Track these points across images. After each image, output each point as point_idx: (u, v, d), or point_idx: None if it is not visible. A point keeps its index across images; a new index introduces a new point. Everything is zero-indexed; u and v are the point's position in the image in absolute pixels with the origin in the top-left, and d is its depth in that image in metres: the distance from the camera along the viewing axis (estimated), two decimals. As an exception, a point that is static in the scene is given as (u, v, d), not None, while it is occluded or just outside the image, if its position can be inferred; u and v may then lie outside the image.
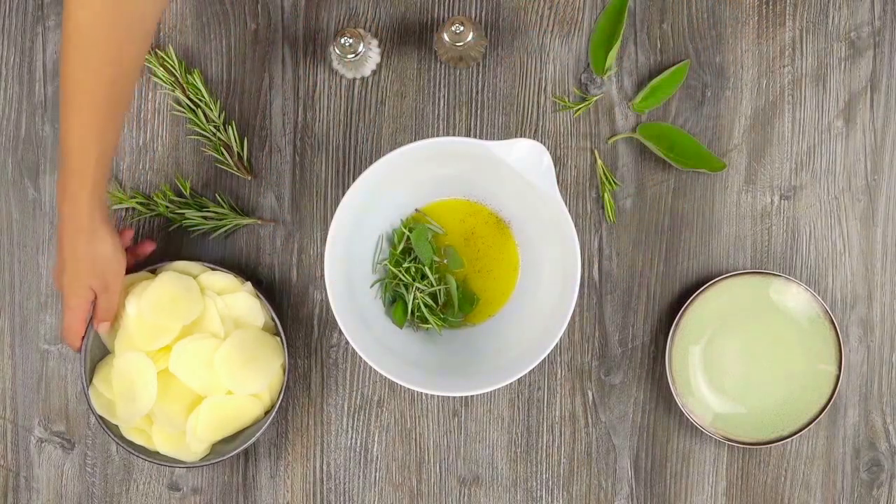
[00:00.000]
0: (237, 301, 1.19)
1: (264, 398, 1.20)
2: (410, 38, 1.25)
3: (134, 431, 1.19)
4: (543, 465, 1.25)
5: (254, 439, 1.18)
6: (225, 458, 1.18)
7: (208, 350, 1.17)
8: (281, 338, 1.19)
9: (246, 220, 1.24)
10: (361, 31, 1.21)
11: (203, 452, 1.20)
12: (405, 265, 1.20)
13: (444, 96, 1.25)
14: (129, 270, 1.17)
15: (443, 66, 1.24)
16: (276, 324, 1.20)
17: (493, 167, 1.13)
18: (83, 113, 1.04)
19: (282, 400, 1.19)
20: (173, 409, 1.18)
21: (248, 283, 1.20)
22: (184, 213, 1.23)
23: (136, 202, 1.24)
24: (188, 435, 1.18)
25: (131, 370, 1.17)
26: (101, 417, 1.18)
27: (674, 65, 1.23)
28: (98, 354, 1.20)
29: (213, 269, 1.20)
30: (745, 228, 1.25)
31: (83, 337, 1.17)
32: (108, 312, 1.15)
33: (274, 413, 1.18)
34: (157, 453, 1.19)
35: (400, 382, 1.10)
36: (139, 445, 1.19)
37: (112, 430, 1.19)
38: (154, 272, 1.20)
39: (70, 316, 1.14)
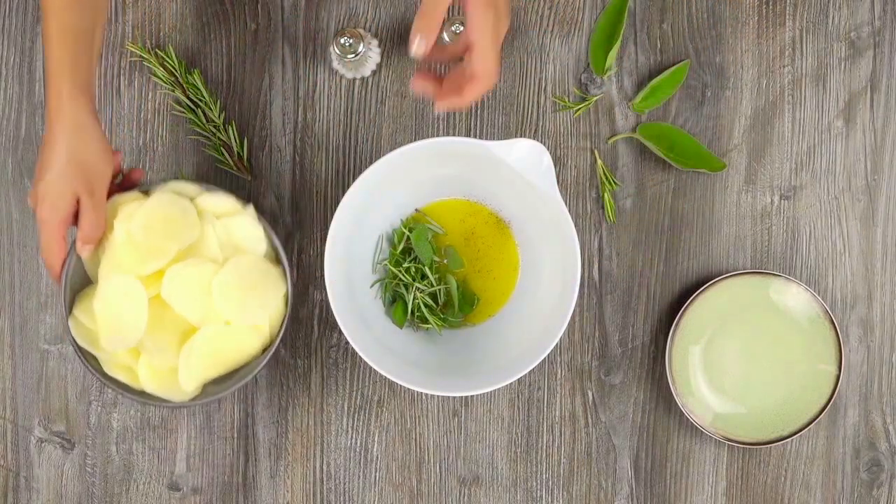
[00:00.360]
0: (238, 225, 1.10)
1: (263, 331, 1.10)
2: (410, 38, 1.25)
3: (117, 368, 1.09)
4: (543, 465, 1.25)
5: (250, 377, 1.09)
6: (215, 398, 1.08)
7: (205, 276, 1.06)
8: (284, 267, 1.10)
9: (246, 220, 1.24)
10: (361, 31, 1.21)
11: (194, 392, 1.09)
12: (405, 265, 1.20)
13: (444, 96, 1.25)
14: (112, 194, 1.09)
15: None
16: (278, 252, 1.10)
17: (493, 167, 1.13)
18: None
19: (281, 337, 1.11)
20: (165, 341, 1.07)
21: (251, 207, 1.11)
22: (184, 213, 1.23)
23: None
24: (181, 370, 1.07)
25: (119, 296, 1.05)
26: (81, 350, 1.07)
27: (674, 65, 1.23)
28: (78, 283, 1.10)
29: (211, 191, 1.11)
30: (745, 228, 1.25)
31: (64, 261, 1.06)
32: (93, 229, 1.03)
33: (273, 349, 1.10)
34: (143, 392, 1.09)
35: (400, 382, 1.10)
36: (122, 383, 1.09)
37: (92, 364, 1.08)
38: (146, 193, 1.10)
39: (48, 233, 1.03)
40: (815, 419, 1.22)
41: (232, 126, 1.24)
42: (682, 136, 1.23)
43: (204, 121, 1.24)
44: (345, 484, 1.25)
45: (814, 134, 1.25)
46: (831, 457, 1.24)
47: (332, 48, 1.19)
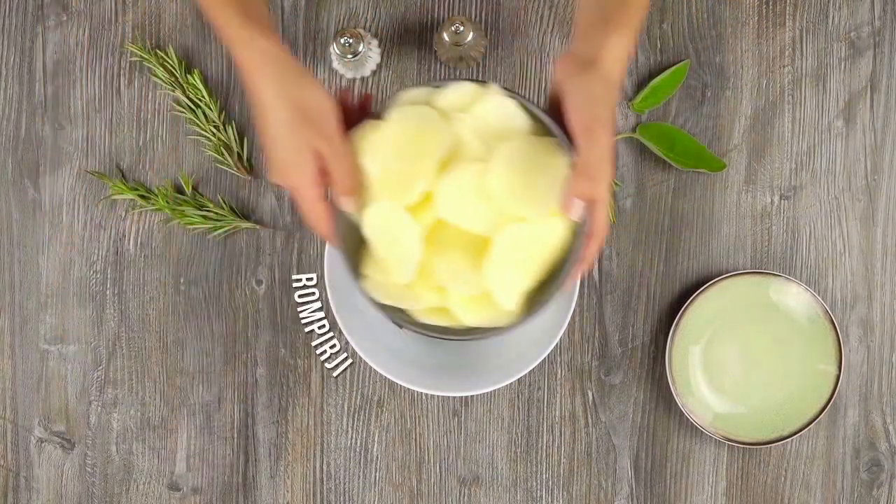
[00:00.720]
0: (489, 110, 0.92)
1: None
2: (410, 38, 1.25)
3: (430, 313, 0.94)
4: (543, 465, 1.25)
5: (573, 267, 0.90)
6: (547, 304, 0.91)
7: (478, 179, 0.89)
8: (555, 134, 0.91)
9: (245, 224, 1.24)
10: (361, 31, 1.21)
11: (518, 307, 0.92)
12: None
13: (444, 96, 1.25)
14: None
15: (443, 66, 1.24)
16: (543, 122, 0.91)
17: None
18: None
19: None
20: (462, 266, 0.91)
21: (494, 84, 0.93)
22: (183, 211, 1.23)
23: (138, 194, 1.24)
24: (494, 289, 0.91)
25: (391, 227, 0.91)
26: (385, 306, 0.93)
27: (674, 65, 1.23)
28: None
29: (443, 86, 0.93)
30: (745, 228, 1.25)
31: (334, 221, 0.91)
32: (346, 177, 0.89)
33: (585, 226, 0.89)
34: (470, 329, 0.93)
35: (400, 382, 1.10)
36: (445, 327, 0.94)
37: (404, 318, 0.94)
38: (377, 116, 0.93)
39: (306, 200, 0.89)
40: (815, 419, 1.22)
41: (232, 126, 1.24)
42: (682, 136, 1.23)
43: (204, 121, 1.24)
44: (345, 484, 1.25)
45: (814, 134, 1.25)
46: (831, 457, 1.24)
47: (332, 48, 1.19)
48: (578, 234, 0.89)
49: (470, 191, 0.89)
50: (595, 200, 0.87)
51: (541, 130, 0.92)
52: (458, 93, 0.92)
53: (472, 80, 0.93)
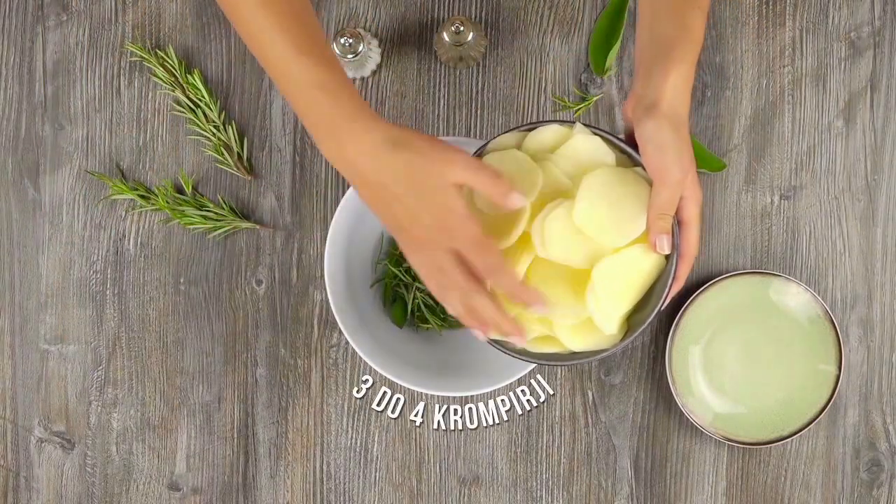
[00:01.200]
0: (577, 148, 0.96)
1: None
2: (410, 38, 1.25)
3: (540, 343, 0.98)
4: (543, 465, 1.25)
5: (668, 286, 0.95)
6: (646, 325, 0.96)
7: (568, 214, 0.94)
8: (637, 162, 0.96)
9: (244, 224, 1.24)
10: (361, 31, 1.21)
11: (618, 329, 0.97)
12: (405, 265, 1.20)
13: (444, 96, 1.25)
14: None
15: (443, 66, 1.24)
16: (627, 153, 0.96)
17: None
18: (279, 33, 0.87)
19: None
20: (564, 300, 0.96)
21: (578, 124, 0.97)
22: (183, 210, 1.23)
23: (138, 194, 1.24)
24: (595, 315, 0.95)
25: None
26: (497, 342, 0.97)
27: (674, 65, 1.23)
28: None
29: (532, 128, 0.98)
30: (745, 228, 1.25)
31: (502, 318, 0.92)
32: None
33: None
34: (575, 353, 0.99)
35: (400, 382, 1.10)
36: (554, 353, 0.98)
37: (512, 349, 0.98)
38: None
39: (454, 299, 0.91)
40: (815, 419, 1.22)
41: (232, 126, 1.24)
42: (682, 136, 1.23)
43: (204, 121, 1.24)
44: (345, 484, 1.25)
45: (814, 134, 1.25)
46: (831, 457, 1.24)
47: (332, 48, 1.19)
48: (670, 256, 0.95)
49: (563, 227, 0.93)
50: (685, 223, 0.94)
51: (627, 162, 0.97)
52: (546, 135, 0.97)
53: (558, 121, 0.97)
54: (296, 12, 0.89)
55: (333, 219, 1.10)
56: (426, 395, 1.24)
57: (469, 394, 1.17)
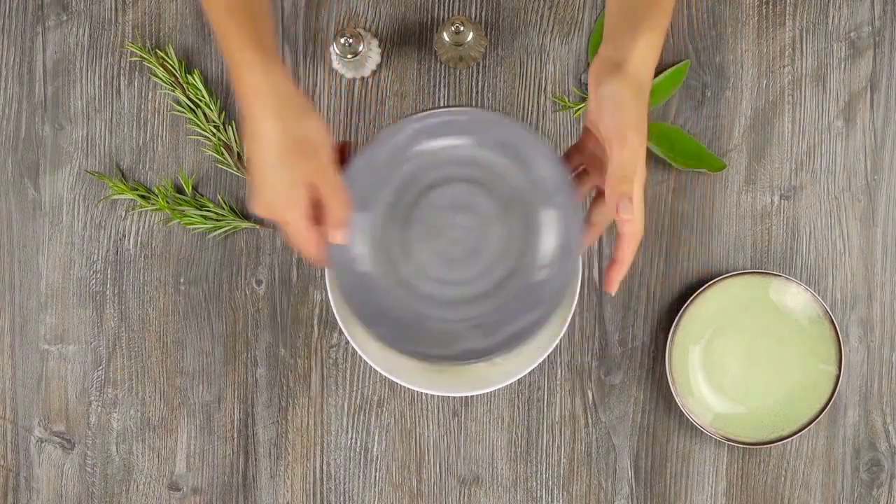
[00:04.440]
0: None
1: None
2: (410, 38, 1.25)
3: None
4: (543, 465, 1.25)
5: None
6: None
7: None
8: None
9: (244, 224, 1.24)
10: (361, 31, 1.21)
11: None
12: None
13: (444, 96, 1.25)
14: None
15: (443, 66, 1.25)
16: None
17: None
18: None
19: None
20: None
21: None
22: (183, 210, 1.23)
23: (137, 194, 1.24)
24: None
25: None
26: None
27: (674, 65, 1.23)
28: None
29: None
30: (745, 228, 1.25)
31: (325, 246, 0.93)
32: (341, 210, 0.90)
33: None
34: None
35: (400, 382, 1.10)
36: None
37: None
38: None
39: (297, 232, 0.90)
40: (815, 419, 1.22)
41: (232, 126, 1.24)
42: (682, 136, 1.23)
43: (204, 121, 1.24)
44: (345, 484, 1.25)
45: (814, 134, 1.25)
46: (831, 457, 1.25)
47: (332, 48, 1.19)
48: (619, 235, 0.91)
49: None
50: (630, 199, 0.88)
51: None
52: None
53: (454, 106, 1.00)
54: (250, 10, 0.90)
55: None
56: (426, 394, 1.24)
57: (469, 394, 1.17)
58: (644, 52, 0.89)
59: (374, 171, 0.97)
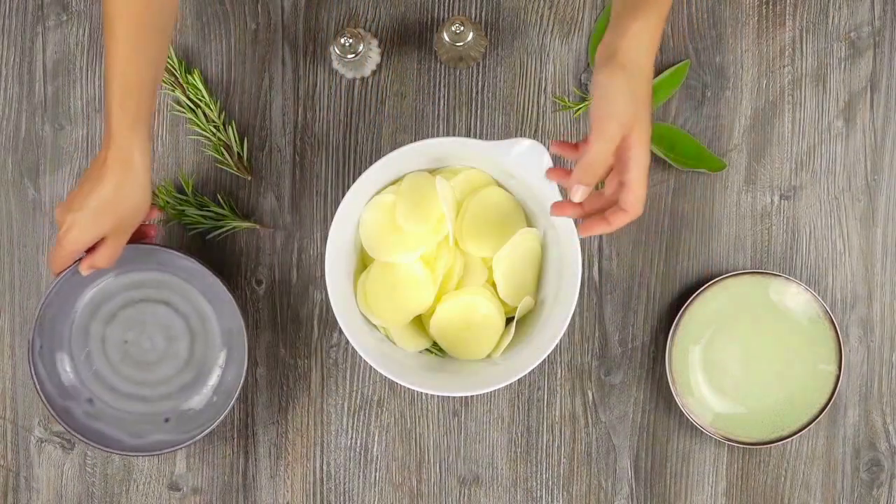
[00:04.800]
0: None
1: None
2: (410, 38, 1.25)
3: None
4: (543, 465, 1.25)
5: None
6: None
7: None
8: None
9: (244, 224, 1.24)
10: (361, 31, 1.21)
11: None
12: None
13: (444, 96, 1.25)
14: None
15: (443, 66, 1.24)
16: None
17: (493, 167, 1.13)
18: (118, 42, 1.00)
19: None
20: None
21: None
22: (183, 211, 1.23)
23: (136, 202, 1.24)
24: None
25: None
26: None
27: (674, 65, 1.23)
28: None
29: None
30: (745, 228, 1.25)
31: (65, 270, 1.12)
32: (104, 263, 1.07)
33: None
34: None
35: (400, 382, 1.10)
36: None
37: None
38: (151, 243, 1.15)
39: (62, 255, 1.07)
40: (815, 419, 1.22)
41: (232, 126, 1.24)
42: (682, 136, 1.23)
43: (204, 121, 1.24)
44: (345, 484, 1.25)
45: (814, 134, 1.25)
46: (831, 457, 1.24)
47: (332, 48, 1.19)
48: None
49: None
50: (626, 185, 0.93)
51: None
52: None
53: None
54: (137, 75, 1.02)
55: (334, 219, 1.10)
56: (426, 394, 1.24)
57: (469, 394, 1.17)
58: (640, 38, 0.90)
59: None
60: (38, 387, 1.16)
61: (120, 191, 1.02)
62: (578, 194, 0.95)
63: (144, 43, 1.01)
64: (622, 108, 0.89)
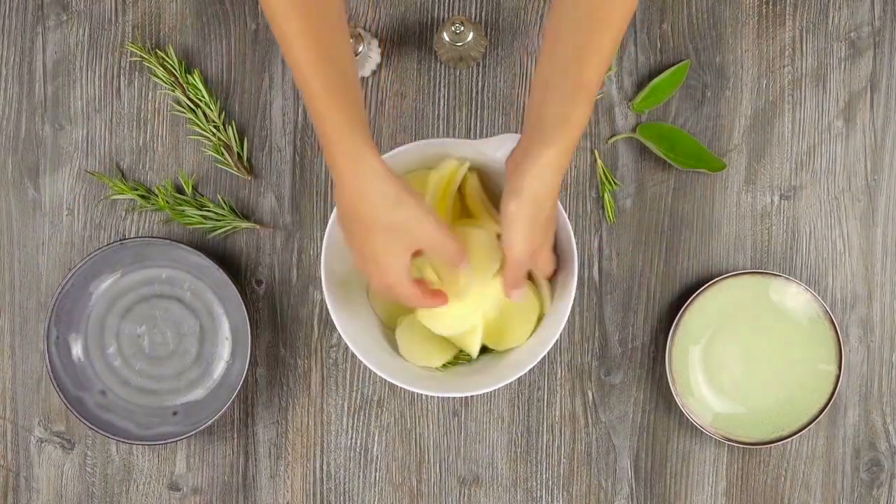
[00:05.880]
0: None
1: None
2: (410, 38, 1.25)
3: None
4: (543, 465, 1.25)
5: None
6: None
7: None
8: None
9: (244, 224, 1.24)
10: (361, 31, 1.21)
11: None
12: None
13: (444, 96, 1.25)
14: None
15: (443, 66, 1.24)
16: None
17: (491, 167, 1.13)
18: (308, 68, 0.93)
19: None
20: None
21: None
22: (183, 210, 1.23)
23: (138, 194, 1.24)
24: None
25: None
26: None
27: (674, 65, 1.23)
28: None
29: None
30: (745, 228, 1.25)
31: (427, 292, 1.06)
32: (454, 252, 1.02)
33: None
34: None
35: (399, 384, 1.10)
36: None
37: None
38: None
39: (408, 297, 1.02)
40: (815, 419, 1.22)
41: (232, 126, 1.24)
42: (682, 136, 1.23)
43: (204, 121, 1.24)
44: (345, 484, 1.25)
45: (814, 134, 1.25)
46: (831, 457, 1.24)
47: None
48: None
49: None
50: (538, 283, 1.09)
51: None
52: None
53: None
54: (331, 57, 0.94)
55: (331, 219, 1.10)
56: (426, 395, 1.24)
57: (469, 394, 1.16)
58: (549, 166, 0.96)
59: None
60: (51, 375, 1.19)
61: (383, 211, 0.96)
62: (515, 297, 1.04)
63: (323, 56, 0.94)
64: (530, 235, 0.99)
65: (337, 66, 0.94)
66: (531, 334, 1.14)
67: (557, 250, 1.14)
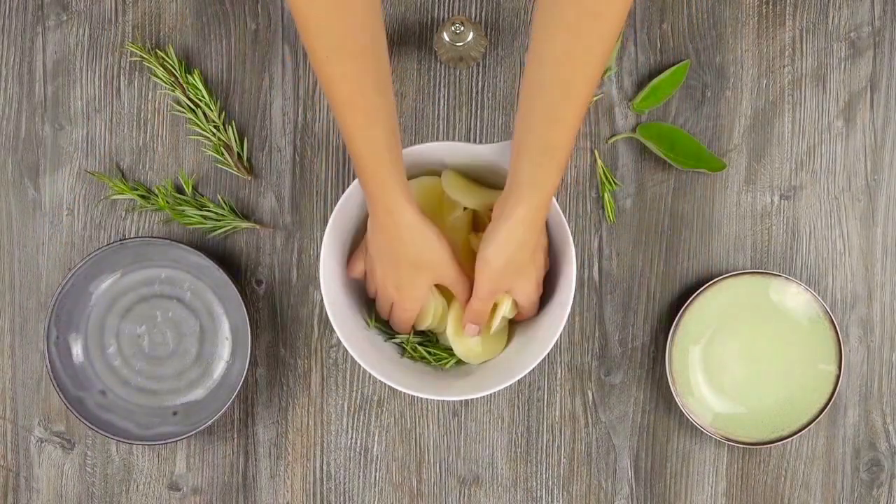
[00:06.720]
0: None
1: None
2: (410, 38, 1.25)
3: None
4: (543, 465, 1.25)
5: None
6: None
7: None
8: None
9: (244, 224, 1.24)
10: (361, 31, 1.21)
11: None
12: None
13: (444, 96, 1.25)
14: None
15: (443, 66, 1.24)
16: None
17: (489, 169, 1.13)
18: (348, 110, 0.98)
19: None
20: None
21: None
22: (183, 210, 1.23)
23: (138, 194, 1.24)
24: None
25: None
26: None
27: (674, 65, 1.23)
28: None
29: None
30: (745, 228, 1.25)
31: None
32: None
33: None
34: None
35: (398, 388, 1.09)
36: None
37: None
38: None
39: (407, 316, 1.13)
40: (815, 419, 1.22)
41: (232, 126, 1.24)
42: (682, 136, 1.23)
43: (204, 121, 1.24)
44: (345, 484, 1.25)
45: (814, 134, 1.25)
46: (831, 457, 1.25)
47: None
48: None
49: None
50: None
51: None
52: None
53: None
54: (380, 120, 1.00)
55: (329, 220, 1.10)
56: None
57: (469, 397, 1.16)
58: (522, 224, 1.03)
59: None
60: (51, 375, 1.19)
61: (414, 254, 1.07)
62: (471, 332, 1.13)
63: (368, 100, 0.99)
64: (497, 282, 1.08)
65: (384, 125, 0.99)
66: (502, 350, 1.18)
67: (554, 252, 1.14)
